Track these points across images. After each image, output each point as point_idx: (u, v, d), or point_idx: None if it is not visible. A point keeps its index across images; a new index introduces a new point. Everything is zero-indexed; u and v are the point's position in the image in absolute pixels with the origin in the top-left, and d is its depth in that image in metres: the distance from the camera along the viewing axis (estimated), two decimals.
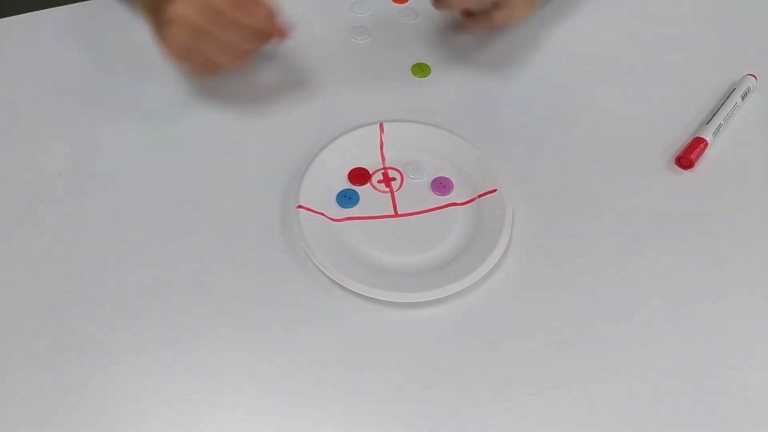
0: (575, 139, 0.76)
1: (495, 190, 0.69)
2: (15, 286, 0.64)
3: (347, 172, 0.72)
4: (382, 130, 0.73)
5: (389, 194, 0.71)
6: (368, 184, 0.71)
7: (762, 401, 0.61)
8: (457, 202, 0.70)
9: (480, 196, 0.70)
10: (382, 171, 0.72)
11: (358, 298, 0.64)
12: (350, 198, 0.70)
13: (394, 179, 0.72)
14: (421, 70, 0.68)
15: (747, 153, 0.75)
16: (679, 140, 0.75)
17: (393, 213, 0.69)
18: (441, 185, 0.71)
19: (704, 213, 0.71)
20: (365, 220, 0.69)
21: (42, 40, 0.81)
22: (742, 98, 0.78)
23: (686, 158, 0.73)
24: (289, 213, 0.68)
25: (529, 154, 0.74)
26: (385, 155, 0.73)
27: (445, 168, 0.72)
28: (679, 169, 0.73)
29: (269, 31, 0.69)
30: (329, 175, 0.70)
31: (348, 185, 0.71)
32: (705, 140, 0.74)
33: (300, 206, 0.67)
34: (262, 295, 0.64)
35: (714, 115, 0.76)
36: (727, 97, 0.77)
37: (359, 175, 0.72)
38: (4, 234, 0.67)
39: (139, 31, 0.81)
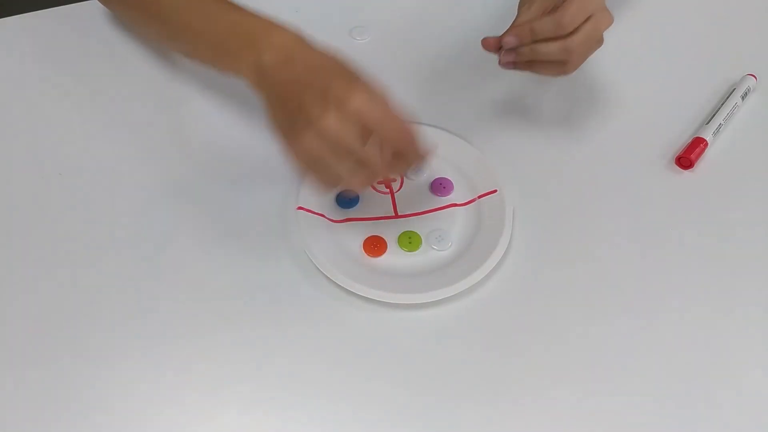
0: (575, 140, 0.75)
1: (495, 191, 0.69)
2: (15, 286, 0.64)
3: None
4: None
5: (389, 195, 0.71)
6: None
7: (762, 400, 0.61)
8: (457, 202, 0.70)
9: (480, 196, 0.70)
10: None
11: (359, 300, 0.64)
12: (350, 199, 0.70)
13: (394, 180, 0.72)
14: (409, 243, 0.66)
15: (747, 153, 0.75)
16: (679, 140, 0.75)
17: (393, 214, 0.69)
18: (441, 186, 0.71)
19: (704, 213, 0.71)
20: (365, 221, 0.69)
21: (42, 40, 0.80)
22: (742, 98, 0.78)
23: (686, 158, 0.73)
24: (290, 214, 0.67)
25: (529, 155, 0.74)
26: None
27: (445, 169, 0.72)
28: (679, 169, 0.73)
29: (412, 157, 0.62)
30: None
31: None
32: (705, 140, 0.74)
33: (300, 207, 0.67)
34: (262, 296, 0.64)
35: (714, 115, 0.76)
36: (727, 97, 0.77)
37: None
38: (4, 234, 0.67)
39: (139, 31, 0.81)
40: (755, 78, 0.79)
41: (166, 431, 0.58)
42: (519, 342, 0.63)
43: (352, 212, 0.69)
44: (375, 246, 0.67)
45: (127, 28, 0.81)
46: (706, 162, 0.74)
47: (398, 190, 0.71)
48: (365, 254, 0.67)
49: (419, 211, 0.70)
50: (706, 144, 0.74)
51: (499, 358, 0.62)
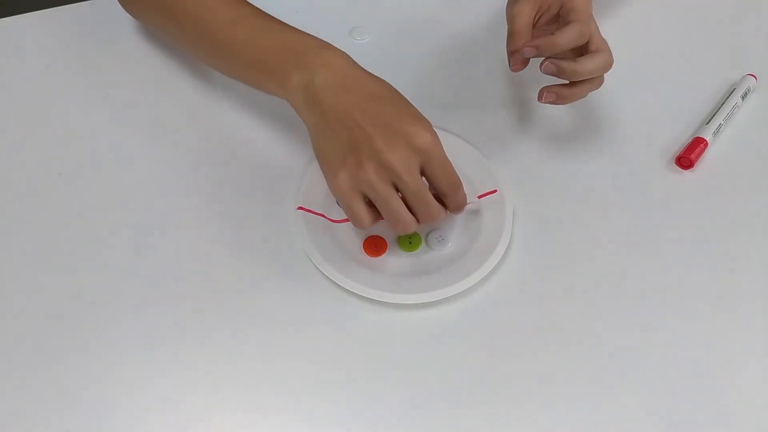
0: (575, 140, 0.75)
1: (495, 191, 0.69)
2: (15, 286, 0.64)
3: None
4: None
5: None
6: None
7: (762, 400, 0.61)
8: None
9: (480, 197, 0.70)
10: None
11: (359, 300, 0.64)
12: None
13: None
14: (409, 243, 0.66)
15: (747, 153, 0.75)
16: (679, 140, 0.75)
17: None
18: None
19: (704, 213, 0.71)
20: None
21: (42, 40, 0.80)
22: (742, 98, 0.78)
23: (686, 158, 0.73)
24: (290, 214, 0.67)
25: (529, 155, 0.74)
26: None
27: None
28: (679, 169, 0.73)
29: (452, 205, 0.62)
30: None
31: None
32: (705, 140, 0.74)
33: (300, 207, 0.67)
34: (262, 296, 0.64)
35: (714, 115, 0.76)
36: (727, 97, 0.77)
37: None
38: (4, 234, 0.67)
39: (139, 32, 0.81)
40: (755, 78, 0.79)
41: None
42: (519, 342, 0.63)
43: None
44: (375, 246, 0.67)
45: (154, 36, 0.80)
46: (706, 162, 0.74)
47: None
48: (365, 254, 0.67)
49: None
50: (706, 144, 0.74)
51: (499, 359, 0.62)
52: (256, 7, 0.67)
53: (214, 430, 0.58)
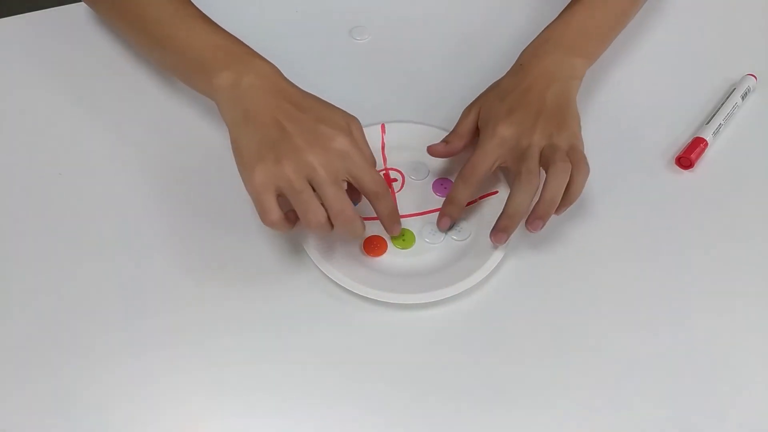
0: None
1: (496, 192, 0.69)
2: (15, 286, 0.64)
3: None
4: (383, 131, 0.73)
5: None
6: None
7: (762, 400, 0.61)
8: None
9: (481, 197, 0.70)
10: (384, 172, 0.72)
11: (359, 300, 0.64)
12: (352, 199, 0.69)
13: (395, 180, 0.72)
14: (403, 239, 0.67)
15: (747, 153, 0.75)
16: (679, 140, 0.75)
17: None
18: (442, 186, 0.71)
19: (704, 213, 0.71)
20: (366, 221, 0.68)
21: (42, 40, 0.80)
22: (742, 98, 0.78)
23: (686, 158, 0.73)
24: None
25: None
26: (386, 156, 0.73)
27: (446, 169, 0.72)
28: (679, 169, 0.73)
29: (379, 210, 0.64)
30: None
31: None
32: (705, 140, 0.74)
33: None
34: (262, 296, 0.64)
35: (714, 115, 0.76)
36: (727, 97, 0.77)
37: None
38: (3, 234, 0.67)
39: None
40: (755, 78, 0.79)
41: None
42: (519, 343, 0.63)
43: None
44: (375, 246, 0.67)
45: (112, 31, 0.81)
46: (706, 162, 0.74)
47: (399, 190, 0.71)
48: (365, 254, 0.67)
49: (421, 211, 0.70)
50: (706, 144, 0.74)
51: (499, 359, 0.62)
52: (200, 10, 0.69)
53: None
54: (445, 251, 0.67)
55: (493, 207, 0.68)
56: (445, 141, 0.70)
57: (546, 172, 0.64)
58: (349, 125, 0.63)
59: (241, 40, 0.67)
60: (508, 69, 0.72)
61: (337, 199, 0.60)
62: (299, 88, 0.64)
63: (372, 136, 0.72)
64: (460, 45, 0.83)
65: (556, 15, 0.74)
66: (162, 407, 0.59)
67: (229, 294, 0.64)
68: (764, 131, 0.77)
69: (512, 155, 0.66)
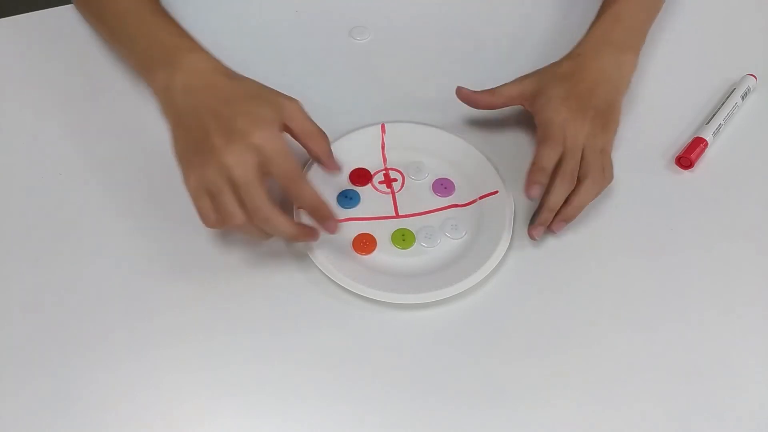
0: None
1: (496, 192, 0.69)
2: (15, 286, 0.64)
3: (348, 173, 0.71)
4: (383, 131, 0.73)
5: (390, 195, 0.71)
6: (369, 184, 0.71)
7: (762, 400, 0.61)
8: (458, 203, 0.70)
9: (481, 197, 0.70)
10: (384, 172, 0.72)
11: (359, 300, 0.64)
12: (351, 198, 0.70)
13: (395, 180, 0.72)
14: (403, 239, 0.66)
15: (747, 153, 0.75)
16: (679, 140, 0.75)
17: (394, 214, 0.69)
18: (442, 186, 0.71)
19: (704, 213, 0.71)
20: (366, 221, 0.69)
21: (42, 40, 0.80)
22: (742, 98, 0.78)
23: (686, 158, 0.73)
24: (289, 213, 0.67)
25: (530, 156, 0.73)
26: (386, 156, 0.73)
27: (446, 169, 0.72)
28: (679, 169, 0.73)
29: (299, 203, 0.63)
30: (330, 176, 0.69)
31: (349, 185, 0.71)
32: (705, 140, 0.74)
33: (300, 206, 0.67)
34: (262, 296, 0.64)
35: (714, 115, 0.76)
36: (727, 97, 0.77)
37: (360, 176, 0.71)
38: (3, 234, 0.67)
39: None
40: (755, 78, 0.79)
41: None
42: (519, 343, 0.63)
43: (352, 212, 0.69)
44: (363, 243, 0.67)
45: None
46: (706, 162, 0.74)
47: (399, 189, 0.71)
48: (354, 251, 0.67)
49: (420, 212, 0.70)
50: (706, 144, 0.74)
51: (499, 360, 0.62)
52: (156, 3, 0.69)
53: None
54: (444, 251, 0.67)
55: (493, 208, 0.68)
56: (487, 91, 0.71)
57: (580, 179, 0.66)
58: (279, 112, 0.61)
59: (187, 31, 0.66)
60: (564, 55, 0.73)
61: (250, 197, 0.58)
62: (234, 79, 0.63)
63: (372, 136, 0.73)
64: (461, 45, 0.83)
65: (557, 15, 0.74)
66: (162, 407, 0.59)
67: (228, 293, 0.64)
68: (764, 131, 0.77)
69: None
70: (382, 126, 0.73)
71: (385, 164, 0.73)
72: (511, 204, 0.68)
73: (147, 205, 0.69)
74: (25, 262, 0.66)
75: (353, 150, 0.72)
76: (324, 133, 0.64)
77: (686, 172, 0.73)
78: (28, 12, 0.83)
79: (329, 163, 0.65)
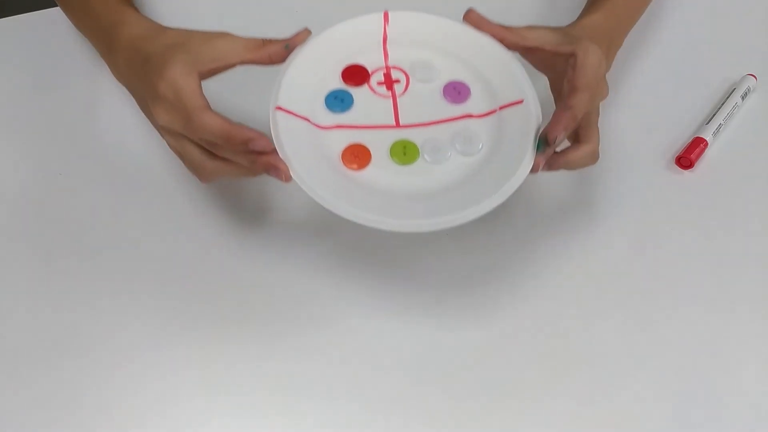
0: None
1: (521, 102, 0.59)
2: (15, 287, 0.64)
3: (341, 70, 0.60)
4: (386, 21, 0.62)
5: (390, 99, 0.60)
6: (365, 85, 0.60)
7: (762, 400, 0.61)
8: (474, 113, 0.60)
9: (502, 107, 0.59)
10: (384, 71, 0.61)
11: (358, 298, 0.63)
12: (342, 100, 0.59)
13: (397, 81, 0.61)
14: (404, 153, 0.56)
15: (747, 153, 0.75)
16: (679, 140, 0.75)
17: (394, 123, 0.59)
18: (455, 92, 0.60)
19: (704, 213, 0.71)
20: (359, 130, 0.58)
21: (42, 40, 0.80)
22: (742, 98, 0.77)
23: (686, 158, 0.73)
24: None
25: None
26: (388, 52, 0.62)
27: (461, 71, 0.61)
28: (679, 169, 0.73)
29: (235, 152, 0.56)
30: (319, 72, 0.59)
31: (341, 85, 0.60)
32: (705, 140, 0.74)
33: (279, 107, 0.56)
34: (263, 296, 0.64)
35: (714, 115, 0.76)
36: (727, 97, 0.77)
37: (355, 74, 0.60)
38: (3, 234, 0.67)
39: None
40: (755, 78, 0.79)
41: None
42: (518, 342, 0.63)
43: (343, 117, 0.58)
44: (355, 156, 0.57)
45: None
46: (706, 162, 0.74)
47: (402, 93, 0.60)
48: (343, 165, 0.56)
49: (426, 121, 0.59)
50: (706, 144, 0.74)
51: (499, 359, 0.62)
52: None
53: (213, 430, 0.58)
54: (454, 169, 0.57)
55: (515, 120, 0.58)
56: (503, 26, 0.61)
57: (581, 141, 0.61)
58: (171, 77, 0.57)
59: None
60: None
61: (194, 134, 0.56)
62: (160, 42, 0.60)
63: (372, 26, 0.62)
64: None
65: (556, 16, 0.74)
66: (159, 408, 0.59)
67: (229, 293, 0.64)
68: (764, 131, 0.77)
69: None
70: (385, 14, 0.62)
71: (386, 62, 0.61)
72: (538, 117, 0.58)
73: (147, 204, 0.69)
74: (25, 262, 0.66)
75: (348, 42, 0.60)
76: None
77: (686, 172, 0.73)
78: (28, 12, 0.83)
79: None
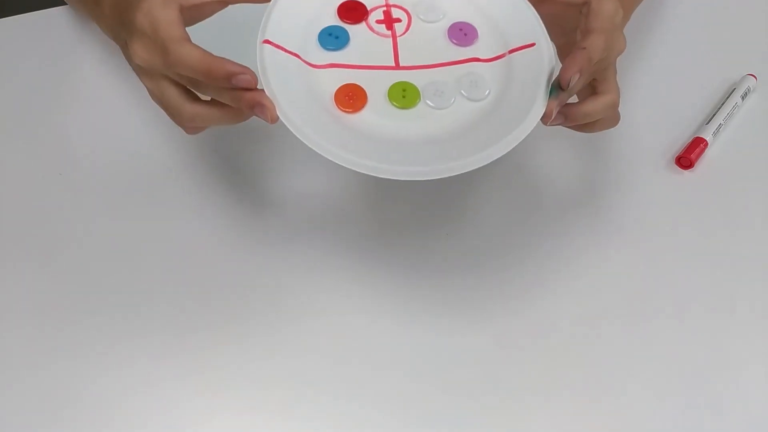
0: (575, 139, 0.75)
1: (532, 45, 0.55)
2: (14, 286, 0.64)
3: (337, 4, 0.56)
4: None
5: (390, 39, 0.56)
6: (363, 23, 0.57)
7: (762, 400, 0.61)
8: (481, 57, 0.56)
9: (512, 51, 0.56)
10: (384, 8, 0.57)
11: (358, 295, 0.63)
12: (337, 37, 0.55)
13: (398, 20, 0.57)
14: (403, 96, 0.53)
15: (747, 153, 0.75)
16: (679, 140, 0.75)
17: (393, 64, 0.55)
18: (461, 33, 0.57)
19: (704, 213, 0.71)
20: (354, 70, 0.54)
21: (42, 40, 0.80)
22: (742, 98, 0.77)
23: (686, 158, 0.73)
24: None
25: (529, 154, 0.73)
26: None
27: (468, 10, 0.57)
28: (679, 169, 0.73)
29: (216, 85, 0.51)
30: (312, 5, 0.55)
31: (336, 21, 0.56)
32: (705, 140, 0.74)
33: (267, 41, 0.52)
34: (263, 297, 0.64)
35: (714, 115, 0.76)
36: (727, 97, 0.77)
37: (352, 10, 0.56)
38: (4, 234, 0.67)
39: None
40: (755, 78, 0.79)
41: None
42: (519, 343, 0.63)
43: (337, 55, 0.55)
44: (349, 97, 0.53)
45: None
46: (706, 162, 0.74)
47: (403, 32, 0.57)
48: (336, 107, 0.52)
49: (429, 64, 0.55)
50: (706, 144, 0.74)
51: (499, 359, 0.62)
52: None
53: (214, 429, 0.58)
54: (458, 115, 0.53)
55: (526, 65, 0.54)
56: None
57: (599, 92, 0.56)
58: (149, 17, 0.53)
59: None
60: None
61: (153, 94, 0.55)
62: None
63: None
64: None
65: None
66: (159, 407, 0.59)
67: (229, 293, 0.64)
68: (764, 131, 0.77)
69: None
70: None
71: None
72: (551, 60, 0.54)
73: (147, 204, 0.69)
74: (24, 262, 0.66)
75: None
76: None
77: (686, 172, 0.73)
78: (28, 12, 0.83)
79: None
